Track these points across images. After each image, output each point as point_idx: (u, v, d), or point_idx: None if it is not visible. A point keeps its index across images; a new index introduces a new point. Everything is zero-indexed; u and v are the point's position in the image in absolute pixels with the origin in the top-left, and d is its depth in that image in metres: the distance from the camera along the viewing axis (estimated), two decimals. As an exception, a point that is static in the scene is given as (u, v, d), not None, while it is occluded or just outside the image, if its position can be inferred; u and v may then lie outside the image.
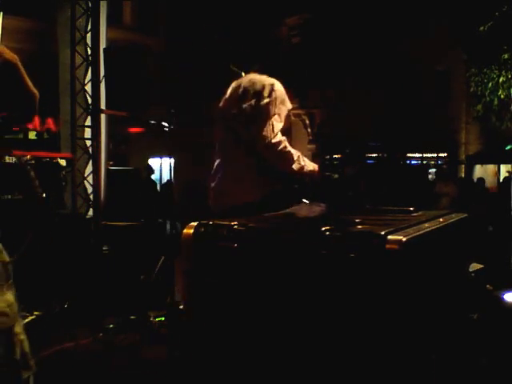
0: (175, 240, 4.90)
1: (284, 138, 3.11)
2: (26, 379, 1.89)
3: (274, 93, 3.06)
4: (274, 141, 3.03)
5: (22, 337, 1.90)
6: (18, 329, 1.88)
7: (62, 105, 6.08)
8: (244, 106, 3.08)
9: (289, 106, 3.16)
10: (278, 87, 3.10)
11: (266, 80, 3.13)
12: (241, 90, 3.15)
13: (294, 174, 3.15)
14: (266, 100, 3.04)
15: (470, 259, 3.10)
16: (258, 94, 3.06)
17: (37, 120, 14.05)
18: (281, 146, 3.07)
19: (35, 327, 3.97)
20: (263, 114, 3.02)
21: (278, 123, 3.06)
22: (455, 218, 2.62)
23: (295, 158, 3.14)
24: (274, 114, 3.04)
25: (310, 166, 3.24)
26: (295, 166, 3.14)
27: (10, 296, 1.87)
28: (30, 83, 1.99)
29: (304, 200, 3.15)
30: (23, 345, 1.89)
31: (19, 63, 1.96)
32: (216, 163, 3.22)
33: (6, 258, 1.93)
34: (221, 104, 3.27)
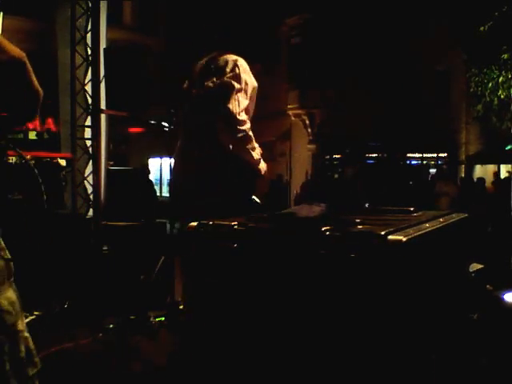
0: (175, 240, 4.90)
1: (248, 119, 2.89)
2: (32, 376, 1.89)
3: (237, 68, 2.88)
4: (239, 117, 2.83)
5: (26, 334, 1.90)
6: (21, 326, 1.88)
7: (62, 105, 6.08)
8: (206, 83, 2.90)
9: (254, 83, 2.97)
10: (242, 63, 2.93)
11: (229, 56, 2.96)
12: (202, 68, 3.00)
13: (246, 162, 2.90)
14: (229, 75, 2.86)
15: (470, 259, 3.11)
16: (221, 70, 2.89)
17: (37, 120, 14.07)
18: (245, 126, 2.85)
19: (35, 327, 3.96)
20: (227, 89, 2.82)
21: (243, 99, 2.85)
22: (455, 218, 2.62)
23: (255, 146, 2.93)
24: (240, 90, 2.84)
25: (263, 164, 3.02)
26: (254, 155, 2.92)
27: (11, 293, 1.87)
28: (35, 81, 1.98)
29: (254, 197, 3.01)
30: (27, 342, 1.89)
31: (27, 60, 1.95)
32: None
33: (9, 256, 1.93)
34: (184, 85, 3.12)
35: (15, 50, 1.93)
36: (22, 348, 1.85)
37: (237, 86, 2.84)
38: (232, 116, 2.81)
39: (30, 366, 1.88)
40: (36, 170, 3.29)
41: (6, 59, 1.87)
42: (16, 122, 2.21)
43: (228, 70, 2.89)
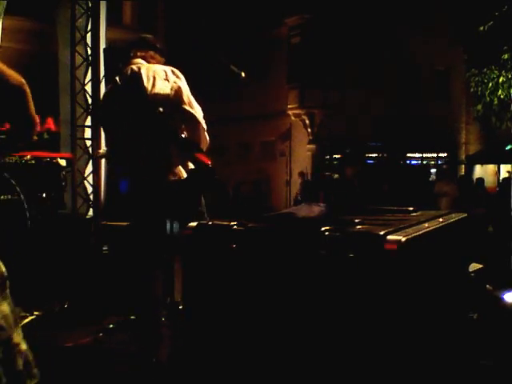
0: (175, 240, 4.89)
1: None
2: None
3: (175, 73, 3.19)
4: (204, 123, 3.21)
5: (24, 346, 1.86)
6: (18, 339, 1.84)
7: (62, 105, 6.08)
8: (158, 87, 3.11)
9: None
10: (176, 70, 3.23)
11: (159, 66, 3.24)
12: (143, 74, 3.16)
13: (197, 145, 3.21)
14: (178, 80, 3.16)
15: (470, 259, 3.10)
16: (165, 77, 3.15)
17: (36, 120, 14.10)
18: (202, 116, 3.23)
19: (35, 327, 3.96)
20: (182, 91, 3.13)
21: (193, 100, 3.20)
22: (455, 218, 2.62)
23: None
24: (188, 92, 3.18)
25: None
26: (206, 137, 3.26)
27: (5, 307, 1.82)
28: (33, 110, 1.99)
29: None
30: (26, 355, 1.86)
31: (27, 88, 1.96)
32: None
33: (3, 268, 1.90)
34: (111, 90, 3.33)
35: (16, 78, 1.93)
36: (20, 361, 1.82)
37: (187, 90, 3.17)
38: (198, 121, 3.18)
39: (28, 378, 1.86)
40: (13, 181, 3.32)
41: (6, 88, 1.87)
42: (10, 147, 2.22)
43: (172, 76, 3.17)
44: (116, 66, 3.45)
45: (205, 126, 3.24)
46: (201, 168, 3.22)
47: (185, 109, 3.15)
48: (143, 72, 3.18)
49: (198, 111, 3.21)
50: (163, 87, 3.13)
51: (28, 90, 1.96)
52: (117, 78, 3.27)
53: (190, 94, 3.20)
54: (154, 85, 3.13)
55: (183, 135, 3.23)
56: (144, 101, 3.15)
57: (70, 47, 5.70)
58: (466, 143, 20.72)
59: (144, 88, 3.13)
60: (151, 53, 3.37)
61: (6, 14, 6.01)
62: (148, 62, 3.32)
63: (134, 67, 3.23)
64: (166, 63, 3.41)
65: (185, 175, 3.23)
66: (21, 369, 1.81)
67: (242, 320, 2.05)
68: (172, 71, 3.21)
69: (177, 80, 3.17)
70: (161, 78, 3.16)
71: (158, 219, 3.19)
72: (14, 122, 2.02)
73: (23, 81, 1.94)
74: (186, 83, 3.22)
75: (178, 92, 3.13)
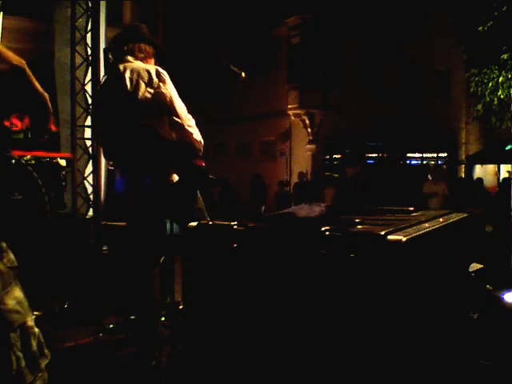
0: (175, 240, 4.88)
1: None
2: (44, 367, 1.96)
3: (162, 75, 3.09)
4: (188, 123, 3.13)
5: (36, 329, 1.97)
6: (31, 322, 1.95)
7: (61, 104, 6.08)
8: (141, 93, 3.05)
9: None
10: (161, 70, 3.14)
11: (144, 66, 3.14)
12: (123, 77, 3.08)
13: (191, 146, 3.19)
14: (160, 84, 3.06)
15: (470, 259, 3.10)
16: (150, 80, 3.06)
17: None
18: (192, 123, 3.17)
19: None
20: (165, 101, 3.06)
21: (181, 103, 3.13)
22: (455, 218, 2.62)
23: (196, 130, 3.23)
24: (174, 96, 3.10)
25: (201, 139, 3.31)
26: (197, 137, 3.22)
27: (18, 293, 1.92)
28: (38, 86, 1.99)
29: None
30: (38, 336, 1.97)
31: (27, 67, 1.97)
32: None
33: (12, 258, 1.96)
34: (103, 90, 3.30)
35: (15, 58, 1.94)
36: (34, 343, 1.93)
37: (171, 94, 3.08)
38: (183, 127, 3.10)
39: (41, 358, 1.95)
40: (35, 174, 3.31)
41: (6, 68, 1.89)
42: (35, 130, 2.22)
43: (156, 79, 3.07)
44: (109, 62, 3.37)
45: (192, 131, 3.15)
46: (193, 171, 3.20)
47: (170, 118, 3.08)
48: (127, 76, 3.07)
49: (183, 116, 3.11)
50: (146, 95, 3.03)
51: (28, 70, 1.97)
52: (104, 78, 3.23)
53: (174, 97, 3.10)
54: (137, 91, 3.04)
55: (174, 139, 3.17)
56: (127, 109, 3.07)
57: (70, 47, 5.70)
58: (466, 143, 20.74)
59: (127, 94, 3.04)
60: (140, 45, 3.24)
61: (6, 14, 6.02)
62: (136, 57, 3.20)
63: (121, 67, 3.13)
64: (155, 55, 3.30)
65: (176, 179, 3.17)
66: (35, 349, 1.91)
67: (243, 320, 2.05)
68: (157, 72, 3.09)
69: (161, 85, 3.06)
70: (145, 81, 3.05)
71: (153, 220, 3.17)
72: (26, 107, 2.02)
73: (23, 61, 1.95)
74: (170, 85, 3.12)
75: (160, 100, 3.04)
